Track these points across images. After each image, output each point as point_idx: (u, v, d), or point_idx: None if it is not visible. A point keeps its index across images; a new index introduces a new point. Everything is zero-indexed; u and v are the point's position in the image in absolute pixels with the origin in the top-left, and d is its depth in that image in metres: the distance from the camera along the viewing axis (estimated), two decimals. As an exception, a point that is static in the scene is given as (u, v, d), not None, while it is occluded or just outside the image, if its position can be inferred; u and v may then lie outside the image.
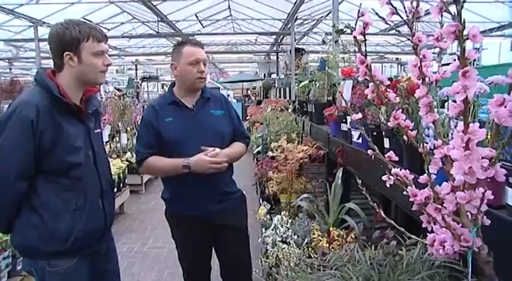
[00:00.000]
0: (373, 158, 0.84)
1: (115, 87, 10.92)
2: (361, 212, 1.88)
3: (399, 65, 15.11)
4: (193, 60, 1.77)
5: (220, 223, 1.86)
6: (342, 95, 2.12)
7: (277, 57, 11.59)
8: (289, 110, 4.46)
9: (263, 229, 2.03)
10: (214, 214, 1.84)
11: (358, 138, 1.80)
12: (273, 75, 11.78)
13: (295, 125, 3.72)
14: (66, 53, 1.41)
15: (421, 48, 0.72)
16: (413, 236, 0.91)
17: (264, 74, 13.15)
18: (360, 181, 0.97)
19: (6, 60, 12.68)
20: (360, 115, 0.86)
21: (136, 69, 14.89)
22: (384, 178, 0.72)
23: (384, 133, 1.51)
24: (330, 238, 1.45)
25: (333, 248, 1.39)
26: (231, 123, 1.92)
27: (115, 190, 2.48)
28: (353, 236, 1.71)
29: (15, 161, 1.34)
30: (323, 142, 2.57)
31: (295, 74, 7.07)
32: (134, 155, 1.88)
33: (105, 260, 1.64)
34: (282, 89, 8.65)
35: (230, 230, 1.89)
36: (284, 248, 1.73)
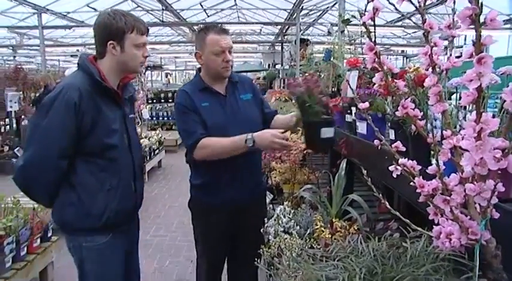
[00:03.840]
0: (379, 148, 0.82)
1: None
2: (364, 203, 1.86)
3: (405, 58, 14.97)
4: (218, 50, 1.72)
5: (247, 212, 1.87)
6: (347, 86, 2.10)
7: (282, 48, 11.50)
8: (293, 101, 4.43)
9: (265, 219, 2.03)
10: (245, 201, 1.85)
11: (366, 129, 1.78)
12: (278, 66, 11.70)
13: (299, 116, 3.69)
14: (110, 42, 1.49)
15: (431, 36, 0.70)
16: (418, 228, 0.89)
17: (269, 65, 13.06)
18: (366, 172, 0.96)
19: (10, 48, 12.65)
20: (367, 104, 0.84)
21: (140, 58, 14.78)
22: (391, 168, 0.71)
23: (389, 124, 1.49)
24: (333, 229, 1.44)
25: (335, 239, 1.38)
26: (259, 108, 1.92)
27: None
28: (356, 228, 1.71)
29: (59, 141, 1.42)
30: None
31: (300, 65, 7.03)
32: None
33: (134, 239, 1.78)
34: (286, 80, 8.60)
35: (253, 219, 1.89)
36: (286, 238, 1.72)
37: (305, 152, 2.27)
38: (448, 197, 0.60)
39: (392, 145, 0.77)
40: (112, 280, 1.62)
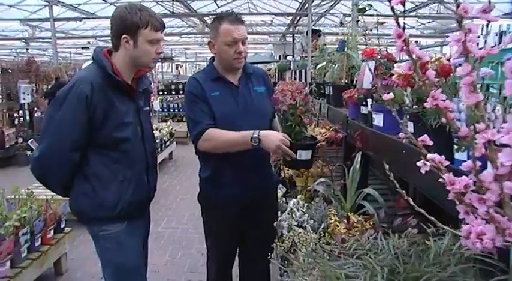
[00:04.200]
0: (403, 142, 0.77)
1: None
2: (380, 197, 1.82)
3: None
4: (230, 41, 1.67)
5: (258, 206, 1.83)
6: (363, 77, 2.04)
7: (293, 39, 11.36)
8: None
9: (278, 213, 2.00)
10: (254, 196, 1.81)
11: (383, 121, 1.73)
12: (289, 57, 11.58)
13: (312, 108, 3.65)
14: (124, 36, 1.49)
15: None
16: (444, 226, 0.85)
17: (279, 56, 12.94)
18: (388, 166, 0.91)
19: (23, 40, 12.76)
20: (391, 95, 0.79)
21: (150, 50, 14.78)
22: (419, 163, 0.66)
23: (407, 117, 1.44)
24: (350, 224, 1.41)
25: (350, 234, 1.35)
26: (270, 102, 1.86)
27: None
28: (371, 223, 1.67)
29: (71, 134, 1.45)
30: (341, 125, 2.50)
31: (312, 56, 6.95)
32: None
33: (146, 233, 1.80)
34: (297, 71, 8.50)
35: (264, 214, 1.86)
36: (300, 232, 1.69)
37: (318, 145, 2.22)
38: (484, 196, 0.56)
39: (419, 139, 0.73)
40: (131, 267, 1.64)
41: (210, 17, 9.42)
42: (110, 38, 1.54)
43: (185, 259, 3.09)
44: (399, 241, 1.01)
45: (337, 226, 1.72)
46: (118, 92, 1.52)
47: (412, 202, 0.82)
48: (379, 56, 2.15)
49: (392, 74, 2.08)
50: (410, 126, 1.45)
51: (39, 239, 2.49)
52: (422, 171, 0.66)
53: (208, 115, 1.70)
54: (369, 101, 1.98)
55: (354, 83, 3.13)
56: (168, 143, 6.44)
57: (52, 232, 2.65)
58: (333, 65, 3.56)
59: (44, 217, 2.52)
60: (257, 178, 1.80)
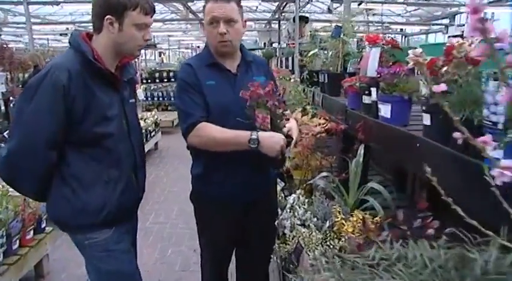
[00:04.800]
0: (459, 142, 0.65)
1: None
2: (387, 193, 1.71)
3: (403, 36, 14.65)
4: (210, 19, 1.50)
5: (257, 204, 1.69)
6: (366, 64, 1.91)
7: (279, 26, 11.15)
8: (292, 80, 4.23)
9: (278, 210, 1.88)
10: (253, 194, 1.66)
11: (391, 112, 1.60)
12: (274, 44, 11.38)
13: (303, 96, 3.52)
14: (108, 16, 1.30)
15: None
16: (489, 232, 0.74)
17: (264, 43, 12.71)
18: (429, 169, 0.78)
19: (-5, 26, 12.14)
20: (443, 86, 0.66)
21: (132, 37, 14.33)
22: (494, 173, 0.53)
23: (423, 108, 1.32)
24: (366, 228, 1.28)
25: (368, 239, 1.23)
26: None
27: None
28: (377, 220, 1.56)
29: (46, 129, 1.27)
30: (339, 116, 2.38)
31: (300, 43, 6.80)
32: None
33: (135, 236, 1.66)
34: (283, 59, 8.33)
35: (263, 213, 1.72)
36: (304, 232, 1.58)
37: (318, 136, 2.10)
38: None
39: (479, 139, 0.60)
40: (126, 275, 1.49)
41: (194, 2, 9.11)
42: (91, 18, 1.35)
43: (176, 257, 2.95)
44: (434, 250, 0.88)
45: (343, 224, 1.61)
46: (100, 81, 1.34)
47: (461, 212, 0.70)
48: (381, 43, 2.03)
49: (396, 61, 1.97)
50: (427, 119, 1.33)
51: (17, 241, 2.30)
52: (498, 182, 0.53)
53: (202, 107, 1.53)
54: (373, 90, 1.86)
55: (348, 70, 3.03)
56: (153, 133, 6.23)
57: (32, 232, 2.46)
58: (325, 52, 3.44)
59: (21, 217, 2.32)
60: (256, 175, 1.65)
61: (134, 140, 1.50)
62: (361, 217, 1.61)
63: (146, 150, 5.79)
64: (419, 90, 1.35)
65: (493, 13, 9.79)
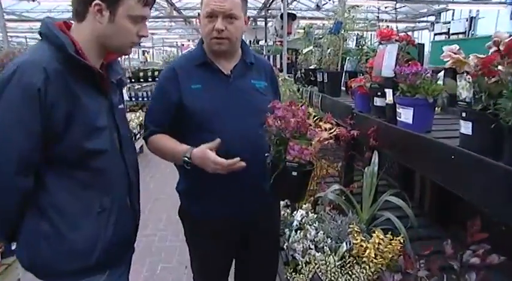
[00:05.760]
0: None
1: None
2: (408, 209, 1.52)
3: (389, 33, 14.64)
4: (208, 12, 1.30)
5: (252, 226, 1.47)
6: (380, 63, 1.71)
7: (266, 23, 10.95)
8: (281, 79, 4.04)
9: (284, 229, 1.65)
10: (246, 214, 1.43)
11: (413, 117, 1.41)
12: (261, 42, 11.17)
13: (299, 96, 3.33)
14: (96, 1, 1.01)
15: None
16: None
17: (250, 41, 12.50)
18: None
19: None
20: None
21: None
22: None
23: (464, 115, 1.12)
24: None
25: (381, 259, 1.02)
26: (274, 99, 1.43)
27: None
28: (399, 241, 1.36)
29: (14, 147, 0.97)
30: (342, 119, 2.18)
31: (288, 41, 6.64)
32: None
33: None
34: (271, 57, 8.14)
35: (261, 235, 1.50)
36: (319, 256, 1.37)
37: (327, 143, 1.89)
38: None
39: None
40: None
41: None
42: (71, 1, 1.07)
43: (166, 274, 2.70)
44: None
45: (362, 246, 1.41)
46: (84, 83, 1.05)
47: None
48: (395, 39, 1.83)
49: (410, 60, 1.77)
50: (467, 127, 1.14)
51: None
52: None
53: (164, 117, 1.41)
54: (388, 91, 1.67)
55: (346, 69, 2.85)
56: (138, 136, 5.93)
57: (-1, 257, 2.18)
58: (319, 49, 3.26)
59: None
60: (254, 191, 1.37)
61: (127, 155, 1.21)
62: (381, 237, 1.41)
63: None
64: (457, 94, 1.15)
65: (477, 11, 9.81)
